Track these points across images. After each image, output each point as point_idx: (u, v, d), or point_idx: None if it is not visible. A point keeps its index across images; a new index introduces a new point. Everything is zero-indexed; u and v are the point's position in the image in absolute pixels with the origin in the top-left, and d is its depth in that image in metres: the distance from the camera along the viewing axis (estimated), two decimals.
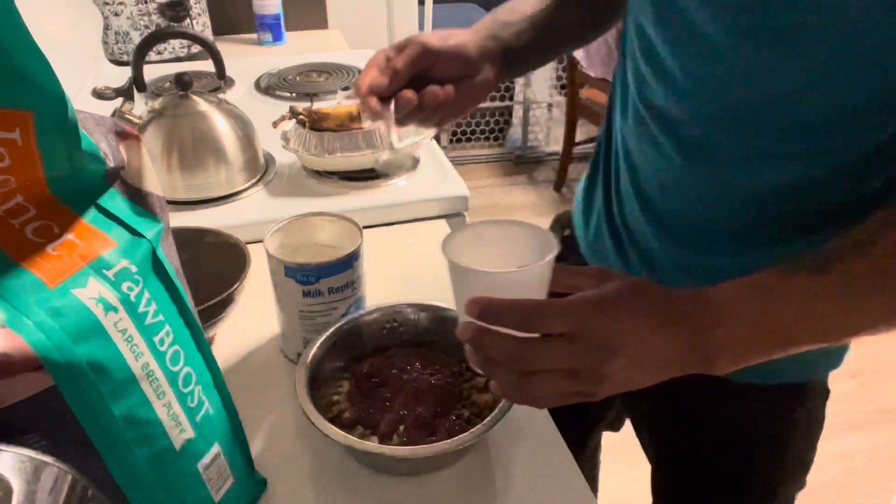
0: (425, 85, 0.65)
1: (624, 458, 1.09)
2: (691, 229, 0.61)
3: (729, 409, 0.67)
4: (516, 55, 0.70)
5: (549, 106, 3.19)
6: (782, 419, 0.66)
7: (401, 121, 0.66)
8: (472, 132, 3.23)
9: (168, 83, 1.40)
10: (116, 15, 1.57)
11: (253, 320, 0.78)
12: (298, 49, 1.75)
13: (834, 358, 0.65)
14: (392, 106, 0.64)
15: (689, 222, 0.61)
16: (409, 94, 0.64)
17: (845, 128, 0.50)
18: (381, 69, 0.64)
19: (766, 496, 0.71)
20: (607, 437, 1.02)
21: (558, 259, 0.48)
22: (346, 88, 1.40)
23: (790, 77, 0.49)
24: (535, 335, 0.45)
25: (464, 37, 0.67)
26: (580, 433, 0.95)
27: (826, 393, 0.68)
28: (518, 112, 3.20)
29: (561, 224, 0.83)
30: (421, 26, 2.25)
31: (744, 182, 0.56)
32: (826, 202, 0.53)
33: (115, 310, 0.40)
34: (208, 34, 1.73)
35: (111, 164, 0.43)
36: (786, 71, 0.49)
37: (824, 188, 0.53)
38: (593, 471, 1.06)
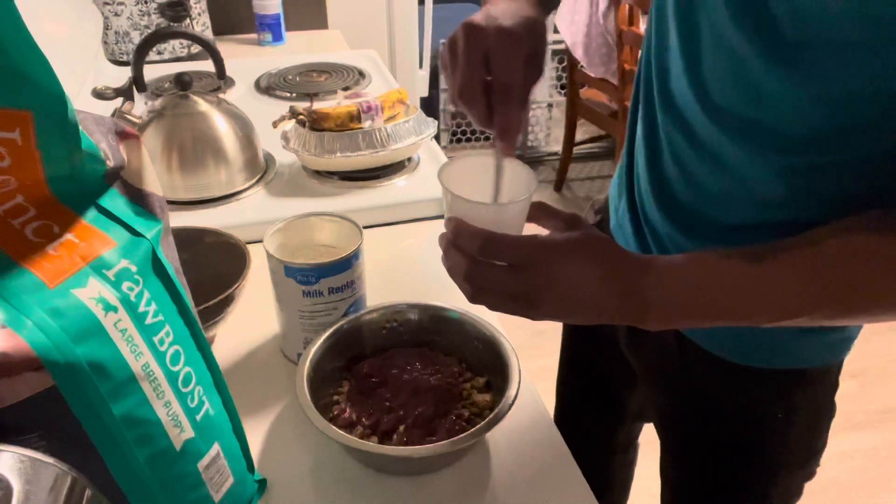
0: None
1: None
2: (697, 220, 0.62)
3: (728, 391, 0.68)
4: None
5: (549, 106, 3.18)
6: (781, 402, 0.67)
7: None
8: (472, 132, 3.22)
9: (168, 83, 1.40)
10: (116, 15, 1.57)
11: (253, 320, 0.78)
12: (298, 49, 1.75)
13: (830, 349, 0.65)
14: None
15: (695, 213, 0.62)
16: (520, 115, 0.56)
17: (856, 141, 0.50)
18: (516, 101, 0.54)
19: (770, 479, 0.72)
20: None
21: None
22: (346, 88, 1.39)
23: (798, 92, 0.50)
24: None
25: (514, 14, 0.55)
26: (606, 421, 0.96)
27: (832, 385, 0.68)
28: None
29: (595, 210, 0.85)
30: (421, 26, 2.25)
31: (749, 184, 0.56)
32: (832, 209, 0.54)
33: (115, 310, 0.40)
34: (208, 34, 1.73)
35: (111, 164, 0.43)
36: (797, 86, 0.50)
37: (831, 198, 0.53)
38: (626, 469, 1.05)
